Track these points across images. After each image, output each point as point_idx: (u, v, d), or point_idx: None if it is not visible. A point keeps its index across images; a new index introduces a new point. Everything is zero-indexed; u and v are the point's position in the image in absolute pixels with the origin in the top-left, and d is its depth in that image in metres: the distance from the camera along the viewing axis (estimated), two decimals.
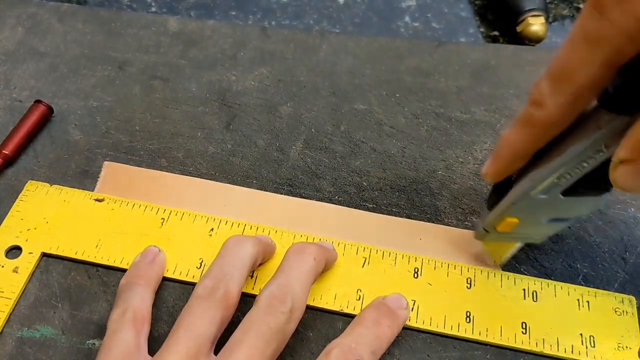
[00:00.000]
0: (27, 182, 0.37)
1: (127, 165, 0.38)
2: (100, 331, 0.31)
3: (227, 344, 0.27)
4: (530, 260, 0.34)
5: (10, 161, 0.38)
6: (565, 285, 0.33)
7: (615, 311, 0.32)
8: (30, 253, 0.33)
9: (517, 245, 0.33)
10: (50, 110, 0.40)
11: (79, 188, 0.37)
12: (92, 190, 0.37)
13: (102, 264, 0.33)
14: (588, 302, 0.32)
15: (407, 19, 0.51)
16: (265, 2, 0.52)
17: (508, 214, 0.29)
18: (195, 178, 0.37)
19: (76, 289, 0.33)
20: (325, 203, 0.37)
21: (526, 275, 0.34)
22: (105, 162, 0.38)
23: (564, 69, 0.24)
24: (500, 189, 0.29)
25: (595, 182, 0.27)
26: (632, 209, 0.37)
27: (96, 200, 0.35)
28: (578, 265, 0.34)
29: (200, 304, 0.28)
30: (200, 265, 0.33)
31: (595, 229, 0.36)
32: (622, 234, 0.36)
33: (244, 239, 0.31)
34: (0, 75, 0.43)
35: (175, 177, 0.37)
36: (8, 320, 0.31)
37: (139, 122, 0.41)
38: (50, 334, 0.31)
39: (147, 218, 0.35)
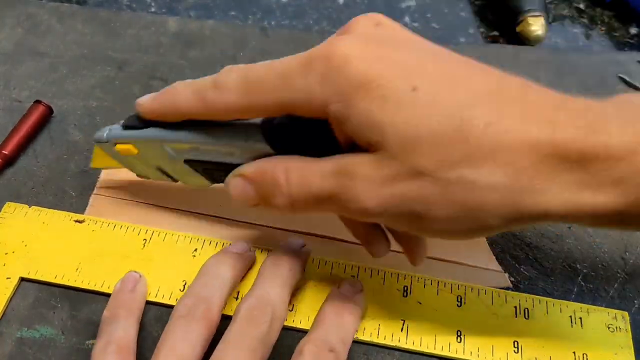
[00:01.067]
0: (27, 182, 0.37)
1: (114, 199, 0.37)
2: None
3: (210, 359, 0.26)
4: (530, 260, 0.34)
5: (9, 161, 0.38)
6: (558, 302, 0.32)
7: (609, 327, 0.31)
8: (7, 278, 0.32)
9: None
10: (49, 110, 0.40)
11: (79, 188, 0.37)
12: (93, 191, 0.37)
13: (82, 288, 0.32)
14: (581, 318, 0.31)
15: (406, 19, 0.51)
16: (265, 2, 0.52)
17: (133, 143, 0.30)
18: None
19: (76, 289, 0.32)
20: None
21: (525, 274, 0.34)
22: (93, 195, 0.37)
23: (255, 83, 0.26)
24: (146, 120, 0.30)
25: (213, 170, 0.30)
26: None
27: (76, 221, 0.34)
28: (578, 266, 0.34)
29: (181, 323, 0.27)
30: (184, 287, 0.32)
31: (595, 229, 0.36)
32: (622, 234, 0.36)
33: (223, 259, 0.31)
34: (0, 75, 0.43)
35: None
36: (8, 320, 0.31)
37: None
38: (49, 334, 0.31)
39: (128, 239, 0.34)
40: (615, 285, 0.33)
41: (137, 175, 0.34)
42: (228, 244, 0.34)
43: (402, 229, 0.27)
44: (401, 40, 0.26)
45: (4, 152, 0.37)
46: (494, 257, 0.34)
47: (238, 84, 0.26)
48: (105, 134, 0.31)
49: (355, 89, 0.23)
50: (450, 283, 0.33)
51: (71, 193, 0.37)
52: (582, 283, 0.34)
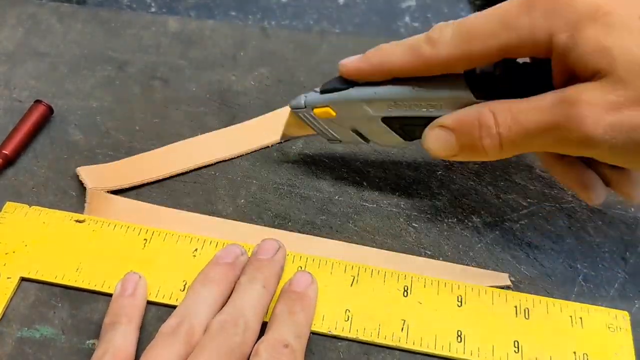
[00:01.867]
0: (27, 182, 0.37)
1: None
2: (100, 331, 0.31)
3: None
4: (531, 260, 0.34)
5: (10, 161, 0.38)
6: (558, 302, 0.32)
7: (609, 327, 0.31)
8: (8, 278, 0.32)
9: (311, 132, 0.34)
10: (50, 110, 0.40)
11: (79, 189, 0.37)
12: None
13: (83, 288, 0.32)
14: (581, 318, 0.31)
15: (407, 19, 0.51)
16: (265, 2, 0.52)
17: (333, 106, 0.31)
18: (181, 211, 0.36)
19: (76, 289, 0.32)
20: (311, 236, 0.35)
21: (526, 273, 0.34)
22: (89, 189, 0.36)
23: (473, 33, 0.27)
24: (345, 81, 0.31)
25: (411, 126, 0.31)
26: (633, 209, 0.37)
27: (77, 221, 0.34)
28: (578, 266, 0.34)
29: (164, 340, 0.28)
30: (184, 287, 0.32)
31: (595, 229, 0.36)
32: (623, 234, 0.36)
33: (210, 279, 0.30)
34: (0, 75, 0.43)
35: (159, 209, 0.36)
36: (8, 320, 0.31)
37: (139, 123, 0.41)
38: (50, 334, 0.31)
39: (129, 239, 0.34)
40: (616, 286, 0.33)
41: (328, 140, 0.35)
42: (228, 243, 0.34)
43: (623, 163, 0.27)
44: None
45: (4, 152, 0.37)
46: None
47: (454, 35, 0.27)
48: (303, 101, 0.32)
49: (584, 18, 0.24)
50: (451, 283, 0.33)
51: (71, 193, 0.37)
52: (582, 283, 0.34)
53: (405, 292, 0.32)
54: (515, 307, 0.32)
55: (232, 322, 0.28)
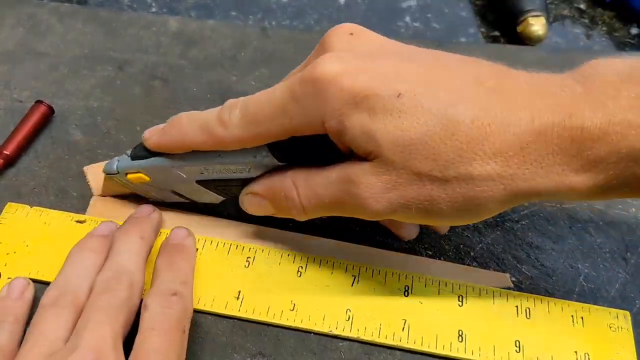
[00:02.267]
0: (28, 182, 0.37)
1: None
2: None
3: (74, 331, 0.27)
4: (531, 260, 0.34)
5: (11, 162, 0.38)
6: (559, 302, 0.32)
7: (610, 327, 0.31)
8: (9, 278, 0.32)
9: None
10: (50, 110, 0.40)
11: (80, 190, 0.37)
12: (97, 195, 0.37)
13: None
14: (582, 318, 0.31)
15: (407, 19, 0.51)
16: (266, 2, 0.52)
17: (145, 171, 0.32)
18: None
19: None
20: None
21: (527, 273, 0.34)
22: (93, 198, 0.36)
23: (257, 117, 0.28)
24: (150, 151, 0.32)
25: (225, 186, 0.32)
26: (633, 209, 0.37)
27: (77, 222, 0.34)
28: (579, 266, 0.34)
29: (47, 311, 0.28)
30: None
31: (596, 229, 0.36)
32: (624, 235, 0.36)
33: (87, 249, 0.31)
34: (1, 75, 0.43)
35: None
36: None
37: (140, 123, 0.41)
38: None
39: None
40: (617, 286, 0.33)
41: (151, 200, 0.35)
42: (229, 244, 0.34)
43: (414, 222, 0.30)
44: (377, 47, 0.28)
45: (5, 152, 0.37)
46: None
47: (240, 119, 0.28)
48: (115, 166, 0.32)
49: (346, 104, 0.25)
50: (452, 283, 0.33)
51: (72, 193, 0.37)
52: (583, 283, 0.34)
53: (406, 292, 0.32)
54: (517, 306, 0.32)
55: (115, 278, 0.28)
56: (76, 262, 0.30)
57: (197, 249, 0.33)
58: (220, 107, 0.30)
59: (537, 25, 0.46)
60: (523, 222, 0.36)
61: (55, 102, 0.41)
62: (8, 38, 0.45)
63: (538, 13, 0.47)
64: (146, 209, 0.33)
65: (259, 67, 0.44)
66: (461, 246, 0.35)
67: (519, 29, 0.47)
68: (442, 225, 0.33)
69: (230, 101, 0.29)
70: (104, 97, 0.42)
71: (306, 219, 0.30)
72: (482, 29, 0.50)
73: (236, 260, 0.33)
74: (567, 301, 0.32)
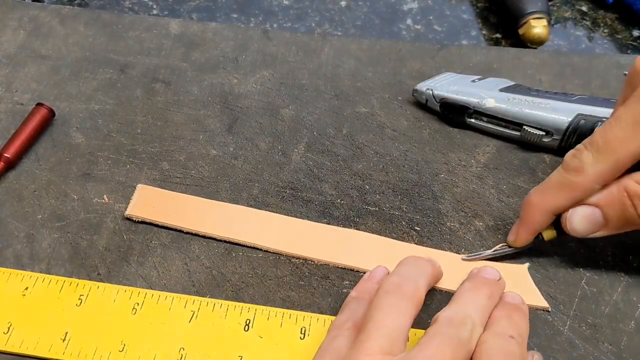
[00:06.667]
0: (28, 185, 0.37)
1: (159, 189, 0.37)
2: None
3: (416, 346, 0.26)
4: (533, 264, 0.34)
5: (12, 164, 0.38)
6: (412, 331, 0.29)
7: None
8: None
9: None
10: (51, 113, 0.40)
11: (80, 191, 0.37)
12: (100, 199, 0.37)
13: None
14: None
15: (409, 21, 0.51)
16: (267, 4, 0.52)
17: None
18: (227, 203, 0.36)
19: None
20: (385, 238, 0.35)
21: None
22: (139, 185, 0.37)
23: (612, 142, 0.29)
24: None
25: None
26: None
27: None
28: (581, 269, 0.34)
29: (389, 298, 0.28)
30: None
31: None
32: (625, 238, 0.35)
33: (421, 258, 0.31)
34: (2, 78, 0.43)
35: (206, 201, 0.36)
36: None
37: (141, 125, 0.41)
38: None
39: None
40: (619, 289, 0.33)
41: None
42: (62, 281, 0.32)
43: None
44: None
45: (6, 155, 0.37)
46: (537, 289, 0.33)
47: (593, 156, 0.30)
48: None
49: None
50: (296, 314, 0.32)
51: (73, 196, 0.37)
52: (585, 287, 0.33)
53: (247, 326, 0.31)
54: None
55: (459, 320, 0.27)
56: (414, 263, 0.31)
57: (26, 287, 0.32)
58: (561, 164, 0.31)
59: (538, 27, 0.46)
60: None
61: (57, 104, 0.41)
62: (10, 41, 0.45)
63: (540, 15, 0.47)
64: (492, 271, 0.32)
65: (260, 70, 0.44)
66: (462, 250, 0.35)
67: (521, 31, 0.47)
68: None
69: (571, 152, 0.31)
70: (105, 99, 0.42)
71: None
72: (484, 32, 0.50)
73: (67, 298, 0.32)
74: (417, 330, 0.30)
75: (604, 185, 0.30)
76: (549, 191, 0.32)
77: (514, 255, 0.34)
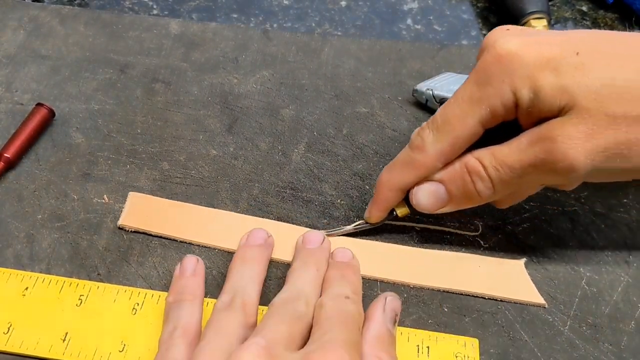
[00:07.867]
0: (28, 185, 0.37)
1: (152, 197, 0.37)
2: None
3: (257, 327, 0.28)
4: (533, 264, 0.34)
5: (11, 164, 0.38)
6: (406, 330, 0.31)
7: (457, 356, 0.30)
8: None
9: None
10: (51, 113, 0.40)
11: (80, 191, 0.37)
12: (100, 199, 0.37)
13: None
14: (428, 347, 0.31)
15: (409, 21, 0.51)
16: (267, 4, 0.52)
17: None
18: (222, 211, 0.36)
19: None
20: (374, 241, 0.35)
21: (529, 278, 0.34)
22: (130, 193, 0.37)
23: (451, 120, 0.29)
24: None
25: None
26: (635, 212, 0.37)
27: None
28: (581, 269, 0.34)
29: (220, 312, 0.29)
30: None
31: (598, 232, 0.36)
32: (626, 238, 0.35)
33: (248, 258, 0.32)
34: (2, 78, 0.43)
35: (201, 209, 0.36)
36: None
37: (141, 125, 0.41)
38: None
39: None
40: (619, 289, 0.33)
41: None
42: (62, 281, 0.33)
43: (607, 179, 0.31)
44: (537, 31, 0.31)
45: (6, 155, 0.37)
46: (533, 285, 0.33)
47: (434, 134, 0.30)
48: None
49: (534, 69, 0.27)
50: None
51: (73, 196, 0.37)
52: (585, 287, 0.33)
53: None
54: None
55: (293, 297, 0.29)
56: (241, 272, 0.31)
57: (26, 287, 0.32)
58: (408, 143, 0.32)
59: (538, 27, 0.46)
60: (524, 226, 0.36)
61: (57, 105, 0.41)
62: (10, 41, 0.45)
63: (540, 15, 0.47)
64: (316, 236, 0.33)
65: (260, 70, 0.44)
66: (463, 250, 0.35)
67: None
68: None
69: (416, 130, 0.31)
70: (105, 99, 0.42)
71: (491, 199, 0.31)
72: (484, 32, 0.50)
73: (67, 299, 0.32)
74: (416, 330, 0.31)
75: (448, 163, 0.31)
76: (396, 169, 0.32)
77: (507, 250, 0.35)
